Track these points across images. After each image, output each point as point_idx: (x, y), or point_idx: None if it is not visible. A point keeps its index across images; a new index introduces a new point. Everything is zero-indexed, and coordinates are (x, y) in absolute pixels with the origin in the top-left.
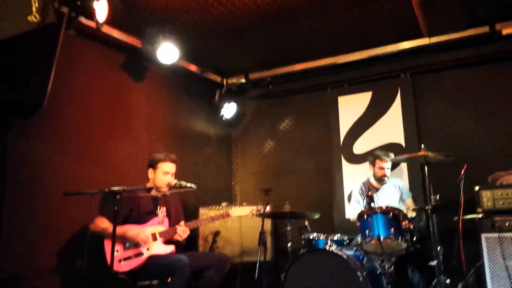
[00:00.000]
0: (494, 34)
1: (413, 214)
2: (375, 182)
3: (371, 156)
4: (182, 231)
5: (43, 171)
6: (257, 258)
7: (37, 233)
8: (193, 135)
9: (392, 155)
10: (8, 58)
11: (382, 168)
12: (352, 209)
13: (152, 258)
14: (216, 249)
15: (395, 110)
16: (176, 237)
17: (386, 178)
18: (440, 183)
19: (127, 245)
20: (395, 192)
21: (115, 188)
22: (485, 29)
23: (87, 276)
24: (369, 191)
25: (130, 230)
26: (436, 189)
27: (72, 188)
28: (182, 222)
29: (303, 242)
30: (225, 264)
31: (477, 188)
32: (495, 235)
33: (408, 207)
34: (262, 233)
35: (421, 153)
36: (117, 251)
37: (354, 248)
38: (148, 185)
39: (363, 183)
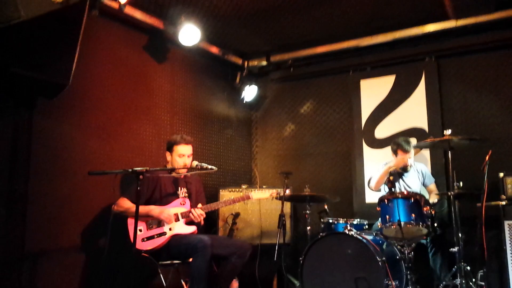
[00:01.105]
0: None
1: (435, 200)
2: (398, 170)
3: (394, 145)
4: (198, 214)
5: (67, 150)
6: (276, 240)
7: (62, 211)
8: (214, 117)
9: (414, 142)
10: (33, 38)
11: (403, 160)
12: (373, 174)
13: (174, 238)
14: (236, 230)
15: (419, 94)
16: (192, 219)
17: (409, 167)
18: (464, 169)
19: (150, 224)
20: (417, 177)
21: (138, 169)
22: None
23: (111, 254)
24: (390, 176)
25: (154, 209)
26: (459, 175)
27: (95, 167)
28: (199, 205)
29: (322, 225)
30: (246, 252)
31: (501, 174)
32: None
33: (430, 192)
34: (281, 216)
35: (446, 137)
36: (140, 230)
37: (374, 233)
38: (168, 166)
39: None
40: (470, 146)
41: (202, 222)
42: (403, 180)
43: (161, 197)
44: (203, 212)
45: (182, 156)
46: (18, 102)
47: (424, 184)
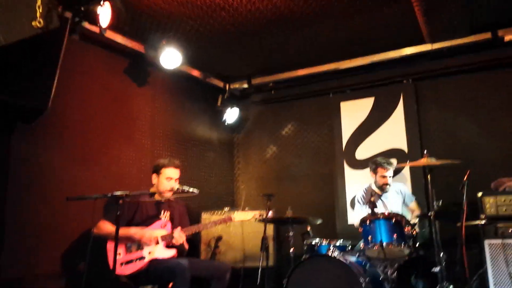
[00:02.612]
0: (497, 40)
1: (417, 220)
2: (377, 189)
3: (372, 164)
4: (179, 235)
5: (46, 175)
6: (259, 263)
7: (40, 237)
8: (196, 140)
9: (394, 162)
10: (13, 62)
11: (384, 177)
12: (355, 215)
13: (154, 262)
14: (218, 254)
15: (398, 115)
16: (173, 241)
17: (388, 186)
18: (443, 189)
19: (129, 248)
20: (397, 198)
21: (118, 193)
22: (488, 35)
23: (89, 279)
24: (371, 197)
25: (133, 230)
26: (439, 194)
27: (74, 192)
28: (178, 228)
29: (305, 247)
30: (225, 273)
31: (480, 194)
32: (499, 241)
33: (412, 211)
34: (264, 238)
35: (424, 160)
36: (119, 254)
37: (357, 254)
38: (152, 190)
39: (365, 189)
40: (449, 167)
41: (187, 246)
42: (383, 202)
43: (142, 220)
44: (183, 234)
45: (170, 179)
46: None
47: (404, 204)
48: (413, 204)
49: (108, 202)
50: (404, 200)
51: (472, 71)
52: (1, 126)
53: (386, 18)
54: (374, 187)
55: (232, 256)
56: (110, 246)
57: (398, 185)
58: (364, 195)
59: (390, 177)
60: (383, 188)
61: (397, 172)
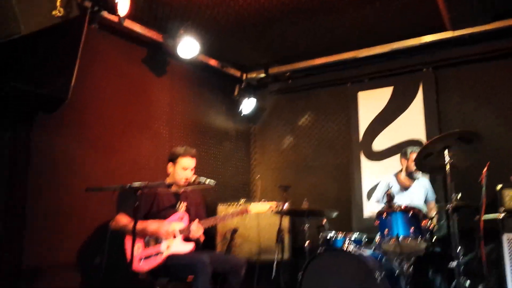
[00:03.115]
0: None
1: (433, 215)
2: (406, 178)
3: (406, 149)
4: (196, 228)
5: (65, 165)
6: (275, 256)
7: (59, 227)
8: (213, 130)
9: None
10: (33, 52)
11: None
12: (372, 205)
13: (172, 257)
14: (234, 246)
15: (417, 105)
16: (190, 235)
17: (416, 174)
18: (462, 182)
19: (148, 242)
20: (421, 192)
21: (136, 184)
22: (510, 22)
23: (107, 273)
24: (388, 190)
25: (151, 224)
26: (457, 188)
27: (93, 182)
28: (196, 220)
29: (320, 240)
30: (241, 269)
31: (499, 187)
32: None
33: (430, 209)
34: (280, 231)
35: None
36: (138, 249)
37: (373, 248)
38: (167, 179)
39: (394, 176)
40: (469, 154)
41: (202, 238)
42: (407, 193)
43: (159, 212)
44: (200, 227)
45: (186, 169)
46: (17, 117)
47: (426, 199)
48: (432, 203)
49: (124, 193)
50: (427, 195)
51: (494, 59)
52: (23, 116)
53: (405, 5)
54: (402, 177)
55: (247, 249)
56: (128, 239)
57: (423, 179)
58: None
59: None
60: (413, 174)
61: None
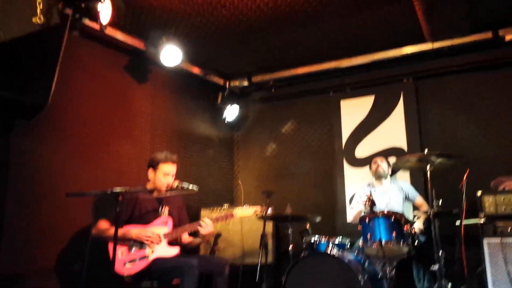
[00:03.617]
0: (497, 39)
1: (426, 210)
2: (375, 181)
3: (369, 161)
4: (209, 223)
5: (45, 171)
6: (258, 260)
7: (38, 233)
8: (196, 137)
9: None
10: (13, 59)
11: (375, 163)
12: (353, 209)
13: (157, 261)
14: (217, 251)
15: (398, 114)
16: (200, 229)
17: (380, 169)
18: (442, 188)
19: (132, 248)
20: (399, 195)
21: (117, 189)
22: (488, 34)
23: (89, 279)
24: (370, 194)
25: (132, 229)
26: (438, 194)
27: (74, 188)
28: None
29: (304, 245)
30: (224, 268)
31: (479, 193)
32: (497, 240)
33: (420, 206)
34: (263, 236)
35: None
36: (122, 253)
37: (356, 252)
38: (148, 185)
39: (367, 184)
40: (449, 166)
41: (208, 238)
42: (382, 198)
43: (141, 216)
44: (211, 222)
45: (167, 175)
46: None
47: (408, 199)
48: (419, 199)
49: (103, 200)
50: (407, 197)
51: (473, 71)
52: (1, 122)
53: (386, 16)
54: (373, 181)
55: (231, 253)
56: (111, 245)
57: (400, 182)
58: (365, 188)
59: (382, 162)
60: (378, 173)
61: (396, 170)
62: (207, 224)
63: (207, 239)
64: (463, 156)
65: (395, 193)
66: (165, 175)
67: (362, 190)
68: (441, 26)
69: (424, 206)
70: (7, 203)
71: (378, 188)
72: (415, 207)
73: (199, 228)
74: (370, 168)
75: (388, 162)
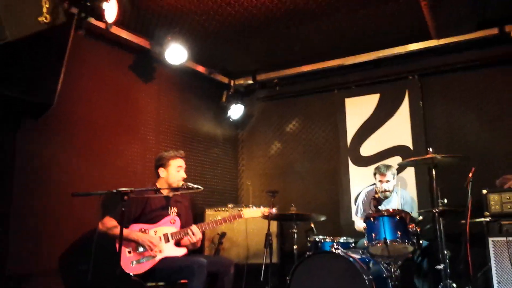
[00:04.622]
0: (504, 36)
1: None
2: (379, 194)
3: (374, 170)
4: (196, 231)
5: (51, 170)
6: (263, 260)
7: (45, 233)
8: (200, 136)
9: (393, 169)
10: (19, 58)
11: (381, 181)
12: (356, 219)
13: (165, 260)
14: (222, 250)
15: (403, 112)
16: (189, 238)
17: (388, 193)
18: (448, 187)
19: (138, 247)
20: (398, 202)
21: (123, 189)
22: (494, 31)
23: (96, 277)
24: (376, 195)
25: (137, 232)
26: (443, 192)
27: (79, 188)
28: (193, 226)
29: (309, 244)
30: (230, 267)
31: (484, 191)
32: (503, 239)
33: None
34: (268, 235)
35: (429, 155)
36: (129, 252)
37: (361, 251)
38: (160, 184)
39: (367, 192)
40: (454, 164)
41: (199, 244)
42: (385, 203)
43: (151, 216)
44: (199, 230)
45: (180, 168)
46: (3, 122)
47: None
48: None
49: (112, 198)
50: (402, 206)
51: (479, 67)
52: (8, 122)
53: (392, 13)
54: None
55: (235, 253)
56: (118, 244)
57: (403, 192)
58: (366, 198)
59: (388, 181)
60: (384, 194)
61: (401, 169)
62: (195, 232)
63: (198, 245)
64: (467, 157)
65: (396, 201)
66: (178, 169)
67: (363, 197)
68: (447, 22)
69: None
70: (13, 201)
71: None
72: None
73: (190, 237)
74: (375, 178)
75: (394, 175)
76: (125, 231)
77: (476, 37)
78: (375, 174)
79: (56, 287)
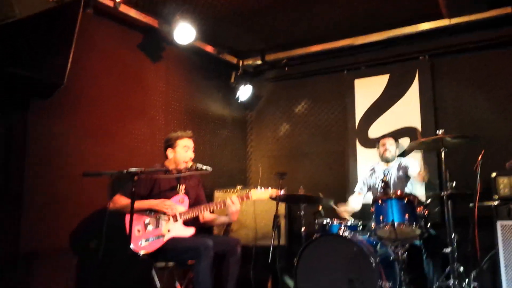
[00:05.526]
0: None
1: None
2: (382, 163)
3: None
4: (235, 201)
5: (62, 150)
6: (271, 241)
7: (56, 212)
8: (209, 117)
9: (395, 142)
10: (28, 37)
11: (384, 145)
12: (354, 195)
13: (173, 241)
14: (231, 232)
15: (413, 93)
16: (230, 208)
17: (387, 153)
18: (457, 169)
19: (147, 226)
20: (400, 173)
21: (133, 169)
22: (507, 10)
23: (106, 255)
24: (384, 176)
25: (145, 201)
26: (452, 175)
27: (89, 167)
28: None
29: (316, 226)
30: (236, 247)
31: (494, 174)
32: (511, 222)
33: (422, 176)
34: (276, 217)
35: (439, 135)
36: (139, 231)
37: (368, 234)
38: (168, 164)
39: (371, 169)
40: (463, 146)
41: (235, 218)
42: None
43: (159, 196)
44: (238, 201)
45: (187, 148)
46: (13, 102)
47: (411, 174)
48: (422, 170)
49: (122, 178)
50: (408, 172)
51: (491, 47)
52: (18, 101)
53: None
54: (380, 164)
55: (244, 234)
56: (128, 221)
57: (400, 159)
58: (368, 172)
59: (391, 145)
60: (384, 156)
61: (409, 151)
62: (234, 202)
63: (235, 218)
64: (477, 137)
65: (395, 174)
66: (185, 149)
67: (366, 175)
68: (459, 1)
69: (426, 176)
70: (24, 181)
71: (381, 168)
72: (428, 185)
73: (228, 206)
74: (378, 148)
75: (396, 144)
76: (137, 203)
77: (488, 17)
78: (378, 142)
79: (68, 265)
